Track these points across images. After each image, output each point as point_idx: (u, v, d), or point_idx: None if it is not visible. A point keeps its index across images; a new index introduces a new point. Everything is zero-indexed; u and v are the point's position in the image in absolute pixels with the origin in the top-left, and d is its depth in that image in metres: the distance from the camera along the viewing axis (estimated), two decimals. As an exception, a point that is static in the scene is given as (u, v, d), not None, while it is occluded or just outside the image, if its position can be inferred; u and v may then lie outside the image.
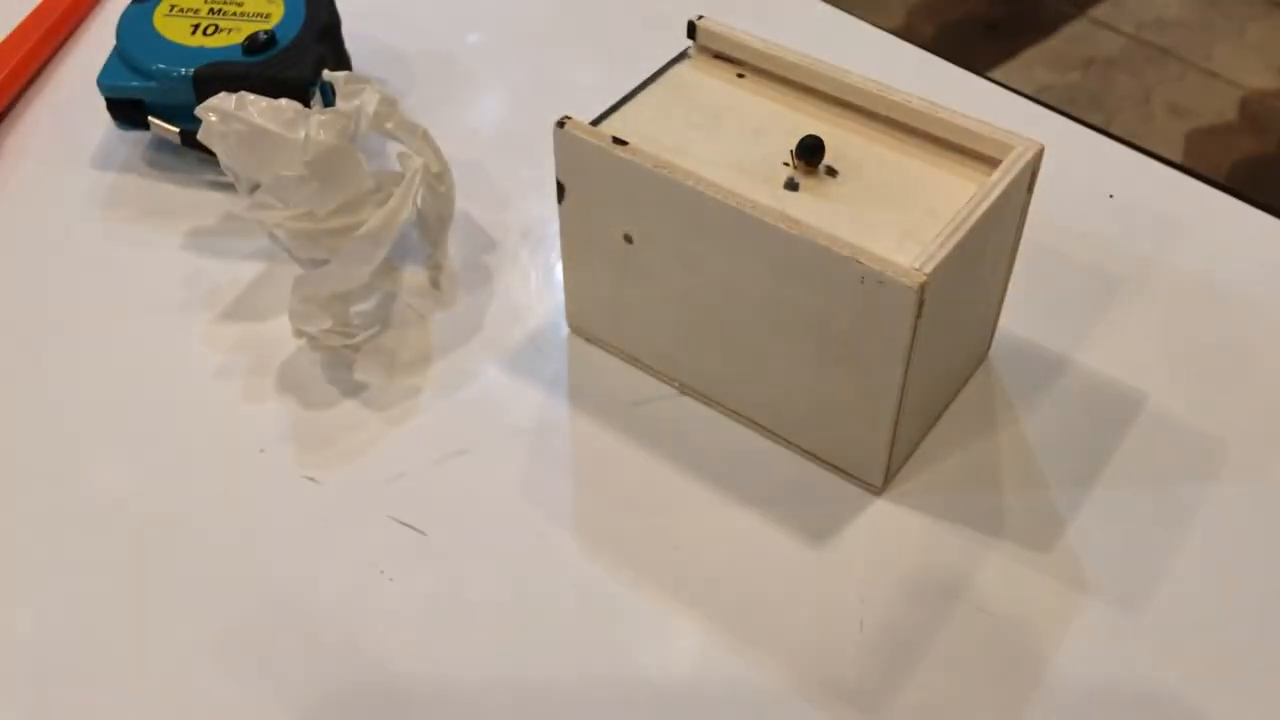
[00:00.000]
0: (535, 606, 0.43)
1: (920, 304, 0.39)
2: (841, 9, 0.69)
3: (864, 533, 0.45)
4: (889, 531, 0.45)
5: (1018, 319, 0.51)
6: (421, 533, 0.45)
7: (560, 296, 0.52)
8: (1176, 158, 1.45)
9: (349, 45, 0.62)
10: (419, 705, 0.41)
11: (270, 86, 0.54)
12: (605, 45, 0.67)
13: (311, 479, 0.47)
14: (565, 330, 0.52)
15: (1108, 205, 0.58)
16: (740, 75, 0.48)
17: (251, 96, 0.51)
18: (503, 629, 0.43)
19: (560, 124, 0.44)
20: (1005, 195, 0.43)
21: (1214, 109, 1.66)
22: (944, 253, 0.40)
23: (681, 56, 0.49)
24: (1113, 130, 0.62)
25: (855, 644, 0.42)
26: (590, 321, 0.51)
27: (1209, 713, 0.41)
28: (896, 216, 0.43)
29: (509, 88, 0.65)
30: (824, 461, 0.47)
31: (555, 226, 0.49)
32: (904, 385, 0.42)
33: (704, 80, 0.48)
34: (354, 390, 0.50)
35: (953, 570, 0.44)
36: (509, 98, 0.65)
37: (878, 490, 0.46)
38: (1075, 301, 0.53)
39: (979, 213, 0.42)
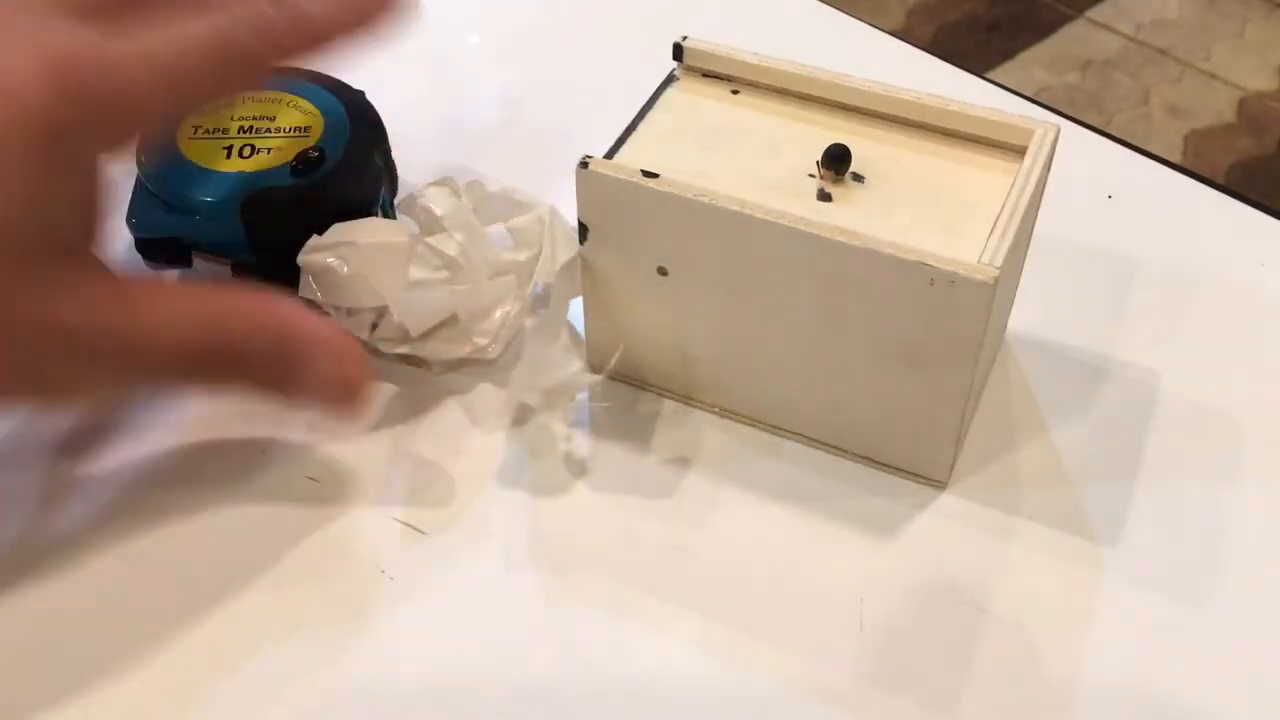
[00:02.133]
0: (535, 605, 0.44)
1: (992, 299, 0.40)
2: (840, 10, 0.69)
3: (863, 532, 0.45)
4: (888, 531, 0.45)
5: (1017, 318, 0.52)
6: (421, 532, 0.45)
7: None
8: (1175, 158, 1.46)
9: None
10: (419, 705, 0.41)
11: (328, 209, 0.50)
12: (599, 55, 0.67)
13: (312, 479, 0.47)
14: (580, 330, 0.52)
15: (1106, 206, 0.58)
16: (735, 91, 0.48)
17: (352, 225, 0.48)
18: (503, 629, 0.43)
19: (583, 164, 0.43)
20: (1040, 179, 0.43)
21: (1212, 110, 1.66)
22: (1006, 244, 0.40)
23: (669, 80, 0.49)
24: (1111, 131, 0.62)
25: (855, 644, 0.42)
26: (615, 360, 0.49)
27: (1215, 716, 0.41)
28: (935, 214, 0.43)
29: (507, 93, 0.65)
30: (885, 465, 0.47)
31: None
32: (973, 381, 0.43)
33: (700, 101, 0.48)
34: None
35: (953, 570, 0.44)
36: (508, 101, 0.65)
37: (943, 486, 0.46)
38: (1074, 301, 0.53)
39: (1025, 199, 0.42)
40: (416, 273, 0.48)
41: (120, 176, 0.53)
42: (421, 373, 0.51)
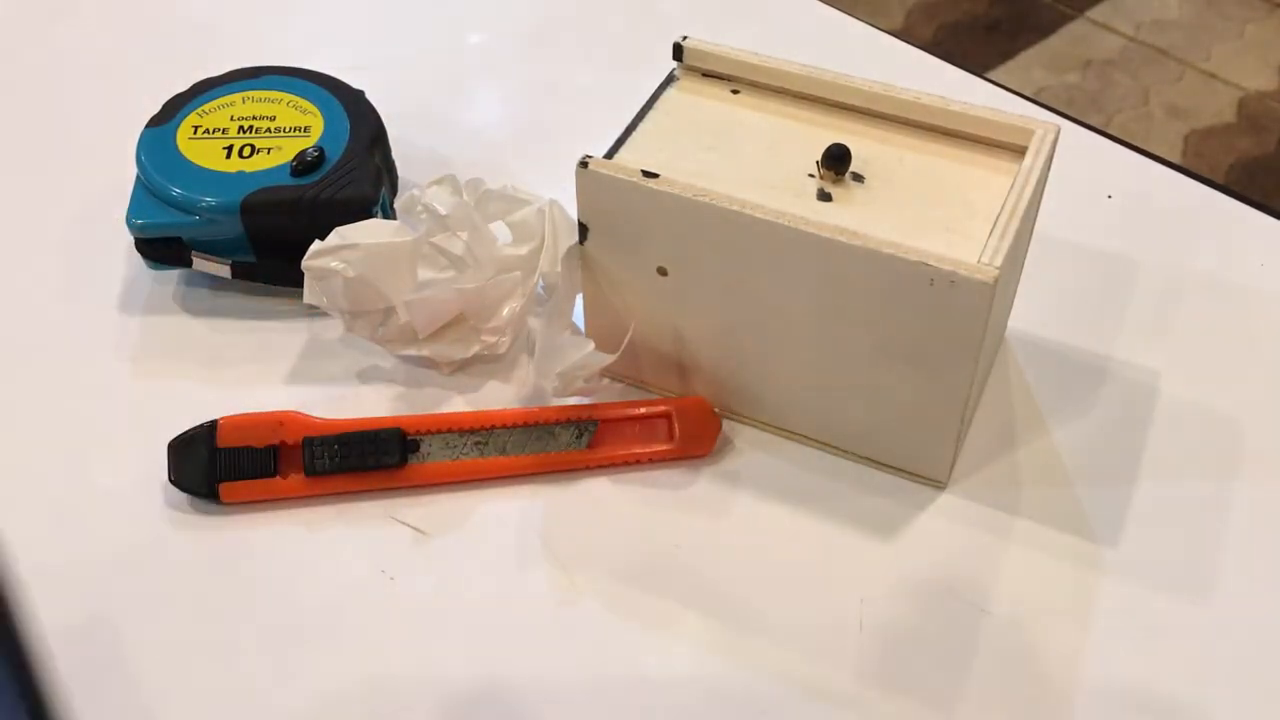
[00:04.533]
0: (535, 605, 0.44)
1: (993, 299, 0.40)
2: (840, 10, 0.69)
3: (863, 532, 0.45)
4: (888, 531, 0.45)
5: (1017, 318, 0.52)
6: (422, 532, 0.45)
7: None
8: (1175, 158, 1.45)
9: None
10: (419, 704, 0.41)
11: (329, 209, 0.50)
12: (599, 55, 0.67)
13: (312, 479, 0.47)
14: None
15: (1107, 205, 0.58)
16: (735, 91, 0.48)
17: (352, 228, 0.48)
18: (503, 628, 0.43)
19: (583, 164, 0.43)
20: (1040, 178, 0.43)
21: (1212, 109, 1.66)
22: (1006, 244, 0.40)
23: (669, 80, 0.48)
24: (1111, 131, 0.62)
25: (855, 644, 0.42)
26: (616, 363, 0.49)
27: (1215, 715, 0.41)
28: (934, 214, 0.43)
29: (507, 93, 0.65)
30: (885, 465, 0.47)
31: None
32: (974, 381, 0.42)
33: (700, 101, 0.48)
34: (356, 391, 0.50)
35: (953, 570, 0.44)
36: (508, 101, 0.65)
37: (943, 486, 0.46)
38: (1074, 301, 0.53)
39: (1025, 199, 0.42)
40: (424, 273, 0.48)
41: (121, 176, 0.53)
42: (430, 373, 0.51)
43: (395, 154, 0.57)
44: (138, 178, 0.52)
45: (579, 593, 0.44)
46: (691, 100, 0.48)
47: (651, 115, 0.47)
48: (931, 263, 0.40)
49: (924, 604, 0.43)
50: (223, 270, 0.52)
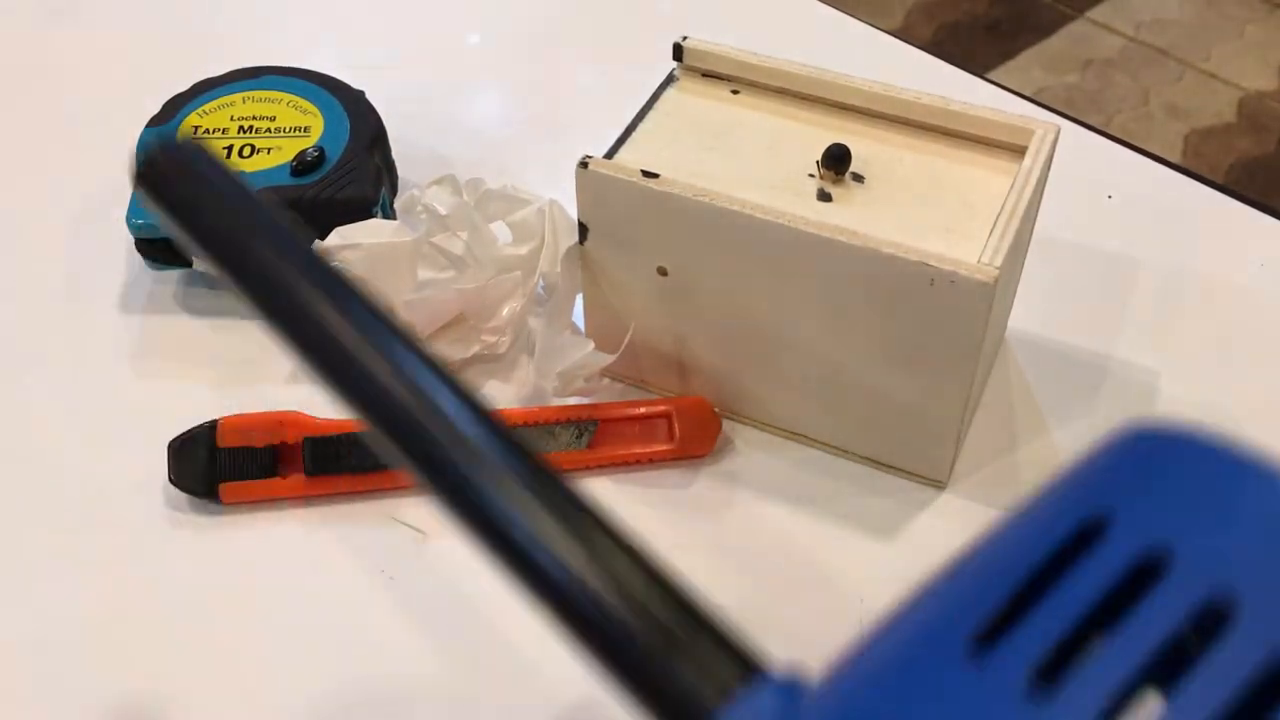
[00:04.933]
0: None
1: (992, 299, 0.40)
2: (840, 10, 0.69)
3: (864, 532, 0.45)
4: (889, 531, 0.45)
5: (1017, 318, 0.52)
6: (422, 532, 0.45)
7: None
8: (1175, 158, 1.45)
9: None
10: (419, 705, 0.41)
11: (329, 209, 0.50)
12: (599, 55, 0.67)
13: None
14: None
15: (1106, 206, 0.58)
16: (735, 91, 0.48)
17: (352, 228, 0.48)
18: (503, 628, 0.43)
19: (583, 164, 0.43)
20: (1040, 178, 0.43)
21: (1212, 110, 1.66)
22: (1006, 244, 0.40)
23: (669, 80, 0.49)
24: (1111, 131, 0.62)
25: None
26: (616, 363, 0.49)
27: None
28: (934, 214, 0.43)
29: (506, 93, 0.65)
30: (886, 465, 0.47)
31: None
32: (974, 381, 0.42)
33: (699, 102, 0.48)
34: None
35: (952, 570, 0.44)
36: (508, 101, 0.65)
37: (943, 486, 0.46)
38: (1074, 301, 0.53)
39: (1025, 199, 0.42)
40: (424, 273, 0.48)
41: (120, 176, 0.53)
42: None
43: (395, 154, 0.57)
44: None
45: (579, 593, 0.44)
46: (691, 100, 0.48)
47: (651, 115, 0.47)
48: (931, 263, 0.40)
49: (924, 604, 0.43)
50: None
